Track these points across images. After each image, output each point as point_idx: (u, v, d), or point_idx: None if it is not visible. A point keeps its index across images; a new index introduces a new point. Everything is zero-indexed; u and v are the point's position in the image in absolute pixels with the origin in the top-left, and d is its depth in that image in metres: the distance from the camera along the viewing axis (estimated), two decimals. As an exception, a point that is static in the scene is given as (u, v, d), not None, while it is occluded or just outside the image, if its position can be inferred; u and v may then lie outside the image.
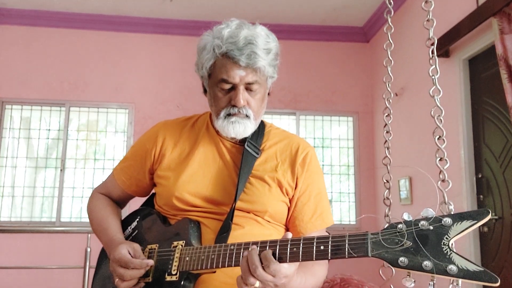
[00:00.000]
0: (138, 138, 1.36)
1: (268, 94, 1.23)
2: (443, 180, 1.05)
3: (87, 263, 2.95)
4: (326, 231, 1.26)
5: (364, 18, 5.15)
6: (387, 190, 1.27)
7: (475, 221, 0.77)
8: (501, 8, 2.76)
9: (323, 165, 5.34)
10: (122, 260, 1.07)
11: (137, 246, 1.13)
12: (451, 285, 0.82)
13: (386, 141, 1.29)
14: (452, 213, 0.80)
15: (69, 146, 5.05)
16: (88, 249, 2.99)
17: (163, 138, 1.27)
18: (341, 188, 5.35)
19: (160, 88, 5.17)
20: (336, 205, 5.31)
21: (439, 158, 1.05)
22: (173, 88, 5.12)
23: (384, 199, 1.27)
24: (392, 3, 1.27)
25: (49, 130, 5.13)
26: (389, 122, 1.30)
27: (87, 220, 1.36)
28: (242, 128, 1.15)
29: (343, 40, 5.42)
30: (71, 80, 5.08)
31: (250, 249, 0.94)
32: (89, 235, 3.04)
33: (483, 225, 3.25)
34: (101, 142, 5.18)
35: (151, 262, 1.09)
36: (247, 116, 1.15)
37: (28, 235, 4.68)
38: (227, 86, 1.13)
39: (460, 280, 0.76)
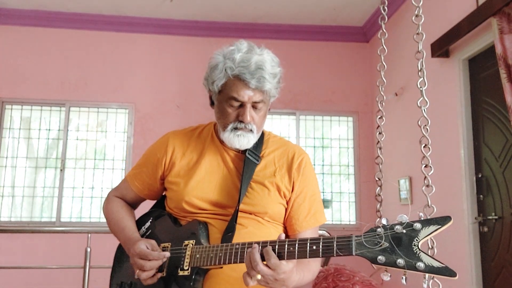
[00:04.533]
0: (150, 146, 1.50)
1: (269, 109, 1.38)
2: (427, 185, 1.19)
3: (87, 263, 2.95)
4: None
5: (363, 18, 5.16)
6: (378, 188, 1.40)
7: (440, 226, 0.91)
8: (501, 8, 2.77)
9: (323, 165, 5.35)
10: (142, 253, 1.21)
11: (153, 242, 1.27)
12: (424, 279, 0.95)
13: (378, 141, 1.42)
14: (422, 219, 0.94)
15: (69, 146, 5.06)
16: (88, 249, 2.98)
17: (173, 148, 1.42)
18: (341, 188, 5.36)
19: (160, 88, 5.17)
20: (336, 205, 5.32)
21: (424, 165, 1.15)
22: (173, 88, 5.13)
23: (376, 195, 1.40)
24: (387, 9, 1.30)
25: (49, 130, 5.13)
26: (382, 124, 1.42)
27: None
28: (246, 141, 1.31)
29: (343, 40, 5.43)
30: (71, 80, 5.09)
31: (252, 247, 1.07)
32: (89, 235, 3.04)
33: (483, 225, 3.26)
34: (101, 142, 5.18)
35: (167, 254, 1.24)
36: (251, 130, 1.30)
37: (28, 235, 4.69)
38: (236, 104, 1.28)
39: (427, 275, 0.90)
